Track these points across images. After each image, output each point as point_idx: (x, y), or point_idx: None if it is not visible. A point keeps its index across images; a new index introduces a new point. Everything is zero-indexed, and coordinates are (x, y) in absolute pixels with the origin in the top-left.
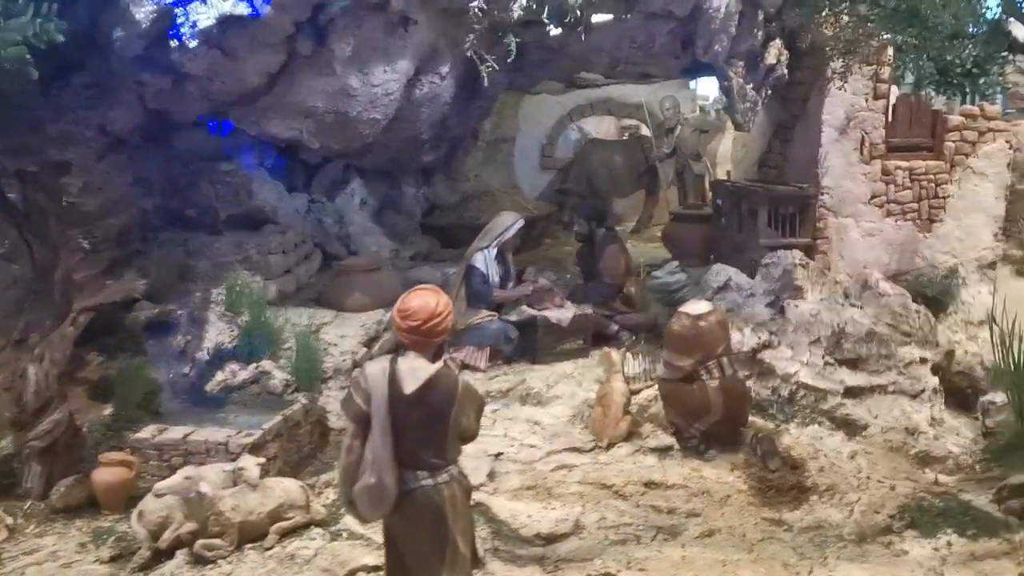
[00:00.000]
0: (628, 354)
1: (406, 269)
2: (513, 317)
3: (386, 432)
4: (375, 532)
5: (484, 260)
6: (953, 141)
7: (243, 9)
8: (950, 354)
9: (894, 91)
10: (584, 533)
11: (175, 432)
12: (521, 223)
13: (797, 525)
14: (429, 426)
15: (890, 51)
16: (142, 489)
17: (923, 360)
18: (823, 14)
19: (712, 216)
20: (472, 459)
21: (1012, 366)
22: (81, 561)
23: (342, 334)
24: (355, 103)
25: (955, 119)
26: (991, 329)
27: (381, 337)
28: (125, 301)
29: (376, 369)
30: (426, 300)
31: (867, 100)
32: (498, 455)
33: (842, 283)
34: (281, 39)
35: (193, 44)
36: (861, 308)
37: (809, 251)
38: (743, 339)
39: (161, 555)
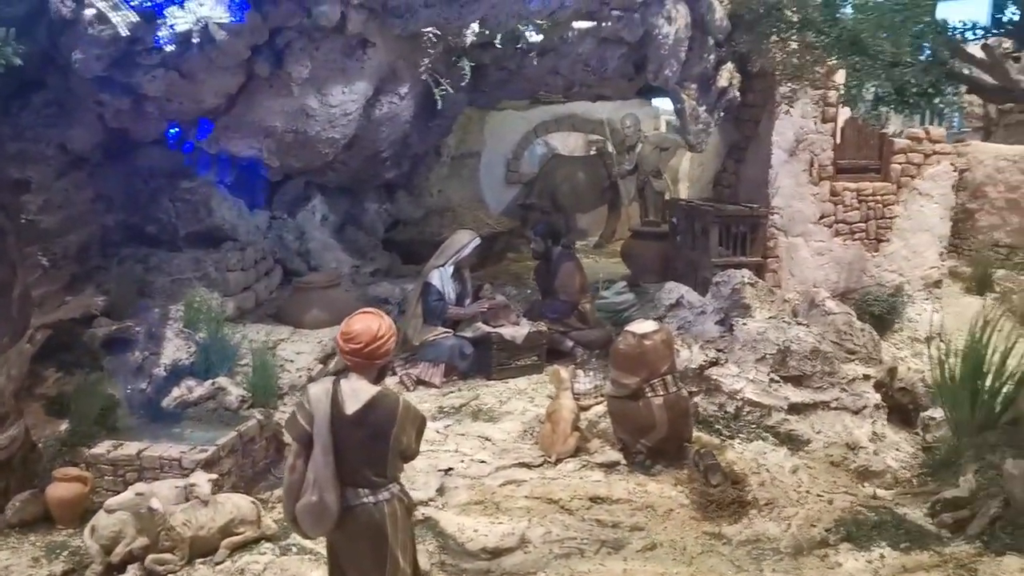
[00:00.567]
0: (579, 371)
1: (366, 285)
2: (468, 334)
3: (328, 451)
4: (324, 547)
5: (440, 278)
6: (899, 163)
7: (221, 13)
8: (893, 371)
9: (845, 113)
10: (529, 547)
11: (130, 448)
12: (477, 242)
13: (736, 539)
14: (370, 446)
15: (838, 76)
16: (97, 504)
17: (866, 377)
18: (771, 40)
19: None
20: (422, 474)
21: (948, 382)
22: (34, 575)
23: (298, 351)
24: (314, 123)
25: (901, 142)
26: (927, 346)
27: (337, 354)
28: (83, 317)
29: (319, 390)
30: (368, 324)
31: (816, 123)
32: (448, 470)
33: (791, 301)
34: (238, 62)
35: (152, 63)
36: (807, 326)
37: (760, 270)
38: (692, 356)
39: (113, 569)
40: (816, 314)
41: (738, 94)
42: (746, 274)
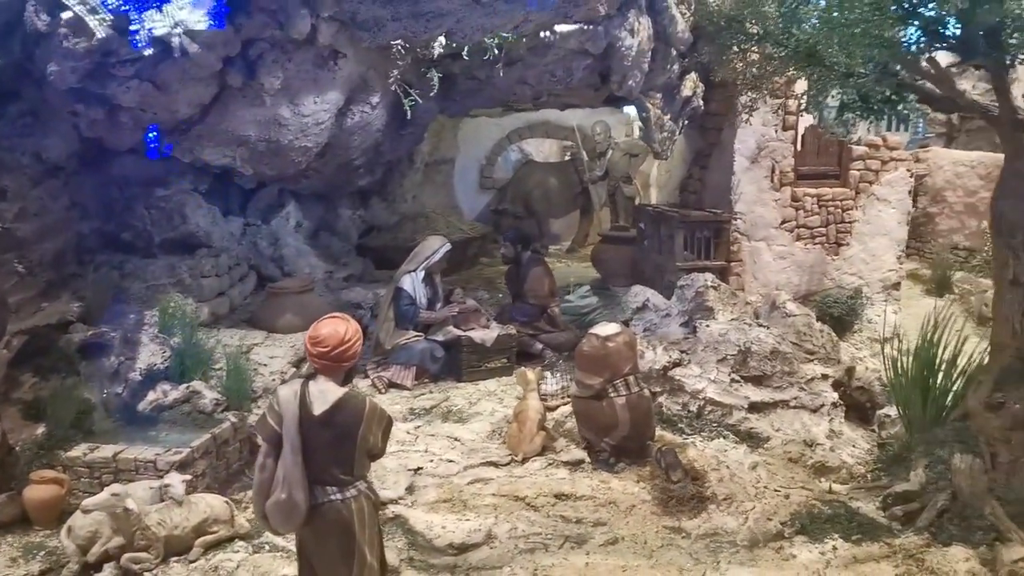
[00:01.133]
0: (547, 373)
1: (339, 290)
2: (439, 337)
3: (296, 451)
4: (295, 544)
5: (412, 282)
6: (858, 170)
7: (198, 17)
8: (851, 370)
9: (807, 120)
10: (495, 543)
11: (105, 450)
12: (448, 247)
13: (695, 532)
14: (337, 445)
15: (797, 86)
16: (73, 505)
17: (824, 376)
18: (732, 51)
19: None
20: (392, 473)
21: (902, 380)
22: (11, 575)
23: (272, 355)
24: (286, 132)
25: (859, 149)
26: (882, 346)
27: None
28: (60, 323)
29: (288, 392)
30: (336, 328)
31: (776, 131)
32: (417, 470)
33: (753, 304)
34: (211, 73)
35: (126, 75)
36: (768, 328)
37: (724, 273)
38: (656, 357)
39: (90, 568)
40: (777, 316)
41: (702, 103)
42: (710, 278)
